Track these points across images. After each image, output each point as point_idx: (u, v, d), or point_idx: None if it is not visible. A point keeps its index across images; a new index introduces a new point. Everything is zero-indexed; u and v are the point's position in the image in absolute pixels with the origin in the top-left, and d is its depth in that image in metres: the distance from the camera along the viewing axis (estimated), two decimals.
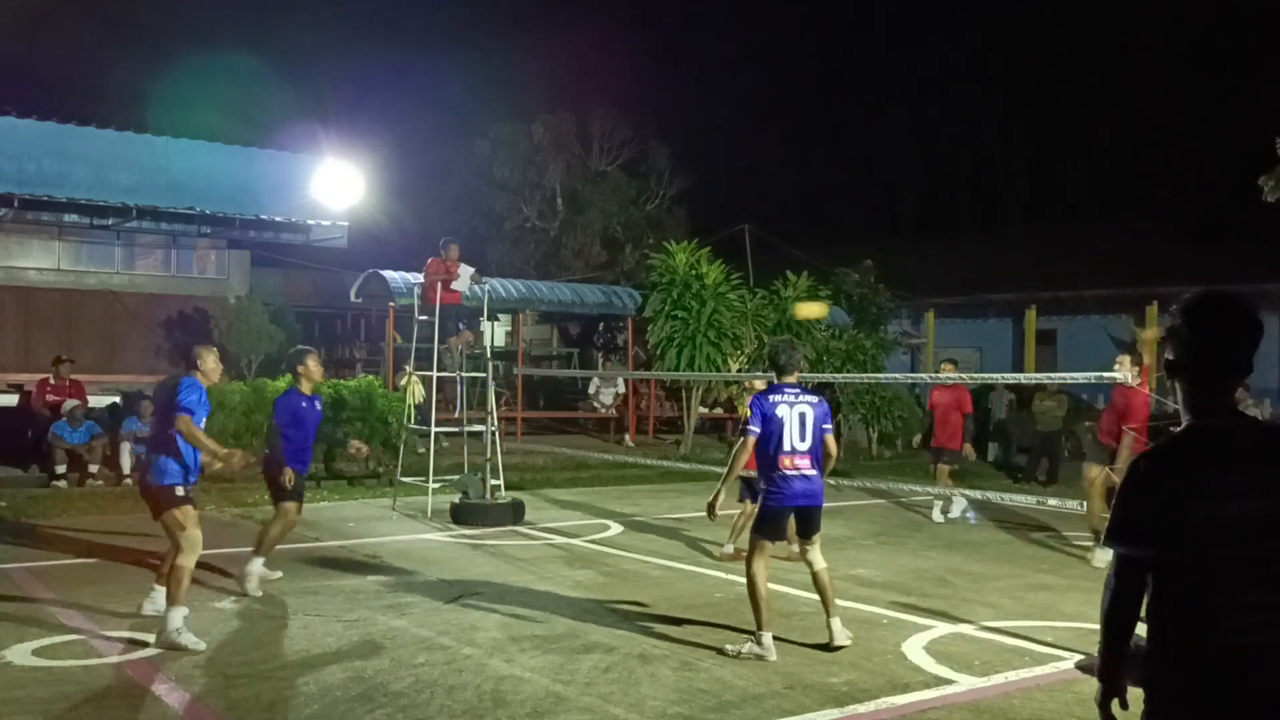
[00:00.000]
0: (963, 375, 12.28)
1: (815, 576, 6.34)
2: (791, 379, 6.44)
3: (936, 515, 11.58)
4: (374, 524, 10.52)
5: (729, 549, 9.01)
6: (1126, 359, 8.77)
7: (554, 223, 28.10)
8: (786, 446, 6.19)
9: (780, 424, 6.18)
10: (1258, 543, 2.36)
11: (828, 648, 6.12)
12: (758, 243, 25.39)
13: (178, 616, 5.94)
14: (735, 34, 55.01)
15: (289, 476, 7.66)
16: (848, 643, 6.20)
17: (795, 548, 7.45)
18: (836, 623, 6.23)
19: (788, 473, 6.20)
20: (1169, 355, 2.55)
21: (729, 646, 6.14)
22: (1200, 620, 2.36)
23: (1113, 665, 2.52)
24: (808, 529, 6.34)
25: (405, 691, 5.21)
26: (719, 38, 55.04)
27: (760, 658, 5.94)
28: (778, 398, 6.27)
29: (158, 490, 6.27)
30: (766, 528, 6.28)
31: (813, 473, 6.26)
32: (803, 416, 6.24)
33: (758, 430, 6.20)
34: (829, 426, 6.39)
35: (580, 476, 14.66)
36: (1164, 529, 2.38)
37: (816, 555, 6.35)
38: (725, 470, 6.63)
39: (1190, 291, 2.58)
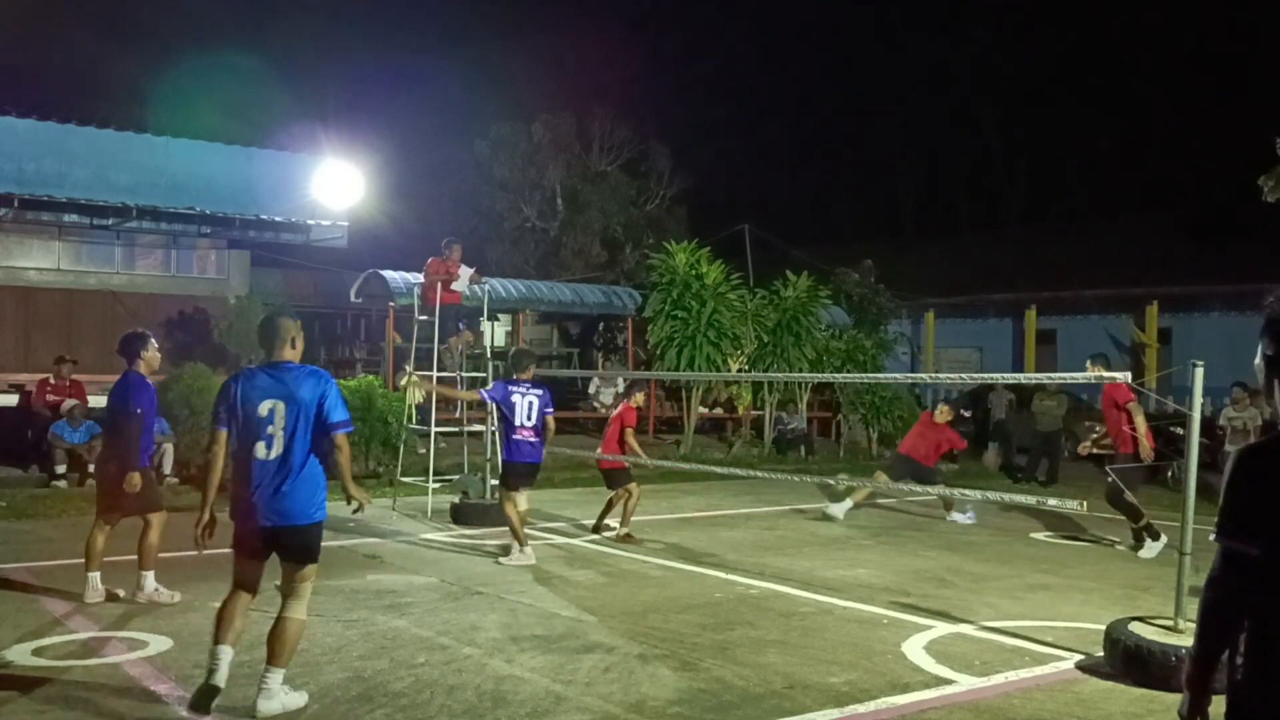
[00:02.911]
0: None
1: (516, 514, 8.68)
2: (526, 376, 8.85)
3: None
4: (374, 524, 10.51)
5: (623, 531, 10.06)
6: (1088, 363, 9.67)
7: (554, 223, 28.09)
8: (517, 422, 8.64)
9: (513, 407, 8.67)
10: None
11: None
12: (758, 243, 25.40)
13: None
14: (735, 34, 55.05)
15: (136, 481, 6.83)
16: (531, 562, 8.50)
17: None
18: (528, 549, 8.64)
19: (518, 439, 8.65)
20: (1269, 351, 2.39)
21: (500, 559, 8.66)
22: None
23: (1204, 672, 2.35)
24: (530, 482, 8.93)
25: (405, 691, 5.20)
26: (719, 38, 55.10)
27: (524, 564, 8.41)
28: (512, 388, 8.74)
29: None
30: (511, 480, 8.77)
31: (536, 440, 8.74)
32: (530, 404, 8.69)
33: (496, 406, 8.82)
34: (550, 410, 8.87)
35: (580, 476, 14.64)
36: (1276, 523, 2.23)
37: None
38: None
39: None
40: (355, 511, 5.20)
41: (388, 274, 17.90)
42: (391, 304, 18.14)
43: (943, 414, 12.13)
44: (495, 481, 11.10)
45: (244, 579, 4.96)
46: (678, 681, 5.47)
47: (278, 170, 17.69)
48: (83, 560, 7.06)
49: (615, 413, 10.62)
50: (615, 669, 5.66)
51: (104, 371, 15.33)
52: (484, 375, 11.98)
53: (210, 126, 17.63)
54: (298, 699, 4.90)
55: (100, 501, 7.19)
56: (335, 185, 17.42)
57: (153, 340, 7.11)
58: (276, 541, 4.85)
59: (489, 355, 12.95)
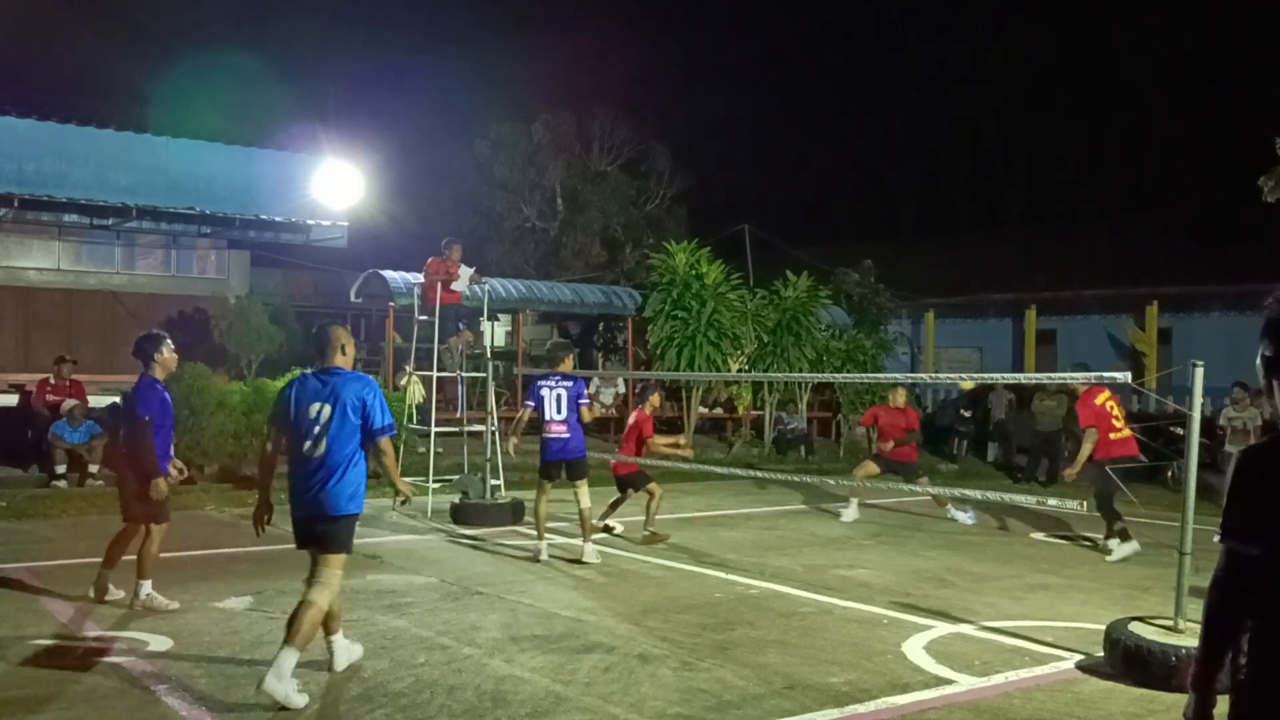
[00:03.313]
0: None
1: (579, 513, 8.75)
2: (563, 368, 8.79)
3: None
4: (374, 524, 10.52)
5: (646, 532, 10.05)
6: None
7: (554, 223, 28.08)
8: (546, 417, 8.61)
9: (541, 400, 8.65)
10: None
11: (579, 562, 8.57)
12: (758, 243, 25.38)
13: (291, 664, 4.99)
14: (735, 34, 55.07)
15: (162, 488, 6.71)
16: (596, 560, 8.62)
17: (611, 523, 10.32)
18: (589, 546, 8.73)
19: (546, 435, 8.67)
20: (1269, 352, 2.36)
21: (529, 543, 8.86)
22: None
23: (1209, 672, 2.36)
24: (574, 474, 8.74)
25: (405, 691, 5.21)
26: (719, 38, 55.13)
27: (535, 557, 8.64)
28: (541, 383, 8.73)
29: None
30: (542, 474, 8.81)
31: (568, 435, 8.63)
32: (559, 396, 8.62)
33: (531, 404, 8.76)
34: (584, 401, 8.75)
35: None
36: (1276, 524, 2.23)
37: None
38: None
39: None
40: (402, 504, 5.94)
41: (388, 274, 17.89)
42: (391, 304, 18.13)
43: (897, 394, 12.27)
44: (495, 481, 11.14)
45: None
46: (678, 681, 5.47)
47: (278, 170, 17.69)
48: (82, 560, 7.07)
49: (631, 420, 10.50)
50: (615, 669, 5.66)
51: (104, 372, 15.38)
52: (484, 375, 11.98)
53: (210, 126, 17.63)
54: (298, 700, 4.91)
55: (120, 503, 7.20)
56: (335, 185, 17.43)
57: (168, 342, 6.99)
58: (312, 529, 5.29)
59: (489, 355, 12.95)
